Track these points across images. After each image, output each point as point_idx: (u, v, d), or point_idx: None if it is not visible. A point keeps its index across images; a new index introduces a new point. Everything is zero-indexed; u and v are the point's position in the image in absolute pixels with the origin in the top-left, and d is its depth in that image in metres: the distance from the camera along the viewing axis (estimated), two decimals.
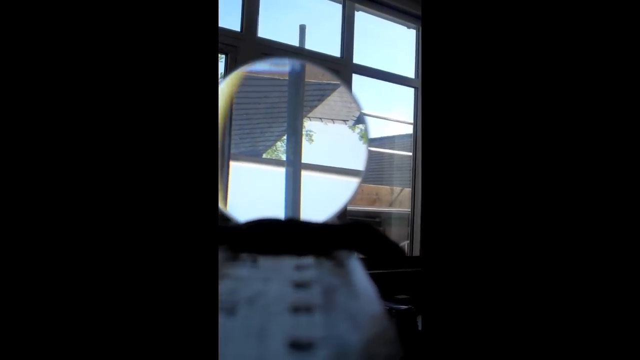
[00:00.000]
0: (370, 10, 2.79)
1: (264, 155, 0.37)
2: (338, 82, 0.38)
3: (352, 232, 0.31)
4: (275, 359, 0.16)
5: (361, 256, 0.29)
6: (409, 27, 2.95)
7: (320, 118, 0.38)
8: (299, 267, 0.25)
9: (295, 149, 0.38)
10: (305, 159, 0.38)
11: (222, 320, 0.19)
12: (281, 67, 0.40)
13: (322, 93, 0.38)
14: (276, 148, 0.38)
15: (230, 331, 0.18)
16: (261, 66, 0.38)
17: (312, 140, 0.38)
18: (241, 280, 0.23)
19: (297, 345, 0.17)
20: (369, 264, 0.28)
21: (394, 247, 0.32)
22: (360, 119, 0.40)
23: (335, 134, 0.38)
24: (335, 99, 0.38)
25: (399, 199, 3.31)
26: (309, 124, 0.38)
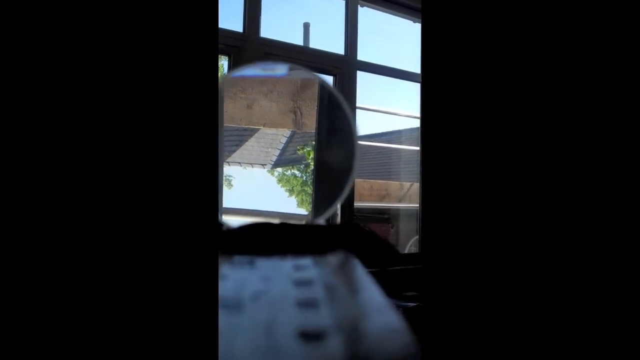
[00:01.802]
0: (374, 5, 2.76)
1: None
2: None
3: (344, 232, 0.31)
4: (286, 349, 0.16)
5: (355, 255, 0.29)
6: (414, 22, 2.92)
7: (239, 163, 0.39)
8: (297, 267, 0.26)
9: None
10: (227, 204, 0.39)
11: (229, 317, 0.19)
12: (272, 71, 0.41)
13: (240, 138, 0.39)
14: None
15: (238, 326, 0.18)
16: (252, 71, 0.39)
17: (231, 186, 0.39)
18: (241, 281, 0.23)
19: (307, 335, 0.17)
20: (368, 263, 0.28)
21: (386, 246, 0.32)
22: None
23: (254, 178, 0.39)
24: (253, 144, 0.39)
25: (408, 194, 3.29)
26: (227, 169, 0.39)
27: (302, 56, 2.47)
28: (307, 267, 0.26)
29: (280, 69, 0.41)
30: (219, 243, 0.29)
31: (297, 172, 0.39)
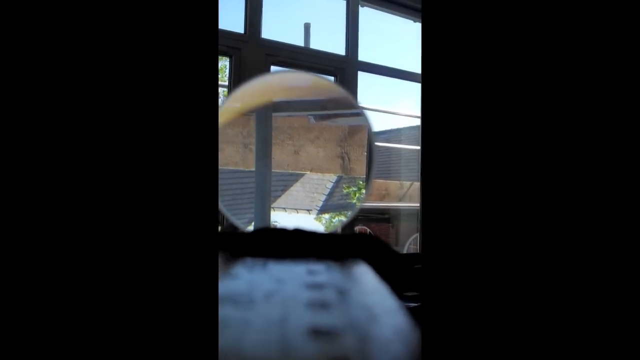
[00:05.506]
0: (374, 5, 2.75)
1: None
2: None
3: (357, 242, 0.32)
4: (297, 345, 0.16)
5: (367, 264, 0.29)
6: (415, 21, 2.91)
7: (284, 208, 0.39)
8: (310, 272, 0.26)
9: None
10: None
11: (240, 313, 0.19)
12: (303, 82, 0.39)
13: (285, 183, 0.38)
14: None
15: (249, 321, 0.18)
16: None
17: None
18: (253, 281, 0.23)
19: (318, 333, 0.17)
20: (379, 272, 0.28)
21: (398, 258, 0.32)
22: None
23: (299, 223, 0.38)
24: (298, 189, 0.38)
25: (408, 194, 3.29)
26: (273, 215, 0.39)
27: (303, 57, 2.45)
28: (320, 272, 0.26)
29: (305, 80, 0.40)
30: (231, 245, 0.29)
31: (344, 219, 0.38)
